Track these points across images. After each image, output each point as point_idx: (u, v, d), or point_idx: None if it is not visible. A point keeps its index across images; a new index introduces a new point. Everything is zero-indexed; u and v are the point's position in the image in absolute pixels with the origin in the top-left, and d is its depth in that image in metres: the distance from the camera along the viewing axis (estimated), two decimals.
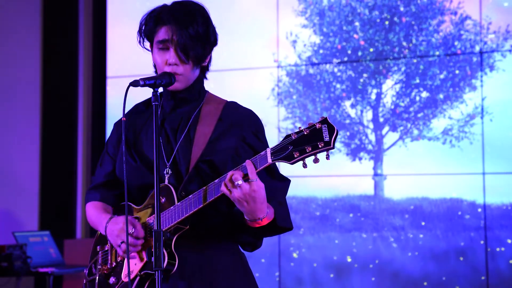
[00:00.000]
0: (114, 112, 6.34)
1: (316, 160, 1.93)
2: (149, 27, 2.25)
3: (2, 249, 5.00)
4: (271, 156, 1.97)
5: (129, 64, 6.26)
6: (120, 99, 2.06)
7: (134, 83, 2.10)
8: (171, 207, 2.12)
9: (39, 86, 6.45)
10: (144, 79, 2.11)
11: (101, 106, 6.41)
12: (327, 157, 1.93)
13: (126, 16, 6.29)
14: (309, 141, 1.93)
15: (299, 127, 1.96)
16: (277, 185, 2.22)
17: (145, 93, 2.18)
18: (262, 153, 1.99)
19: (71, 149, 6.42)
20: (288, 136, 1.96)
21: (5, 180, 6.36)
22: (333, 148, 1.91)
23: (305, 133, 1.93)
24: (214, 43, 2.28)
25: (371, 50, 5.74)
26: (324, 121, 1.93)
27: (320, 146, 1.91)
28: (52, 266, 5.18)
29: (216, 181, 2.06)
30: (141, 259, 2.15)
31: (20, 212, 6.34)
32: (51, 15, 6.52)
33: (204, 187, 2.08)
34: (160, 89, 2.31)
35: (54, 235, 5.65)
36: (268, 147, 2.22)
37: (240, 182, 1.99)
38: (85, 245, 5.65)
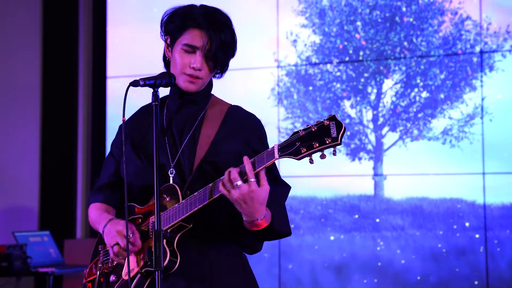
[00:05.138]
0: (114, 112, 6.34)
1: (322, 156, 1.94)
2: (175, 25, 2.24)
3: (2, 249, 5.00)
4: (278, 152, 1.97)
5: (129, 64, 6.26)
6: (120, 99, 2.06)
7: (134, 83, 2.10)
8: (175, 205, 2.13)
9: (39, 86, 6.45)
10: (144, 79, 2.11)
11: (101, 106, 6.41)
12: (334, 153, 1.94)
13: (126, 16, 6.29)
14: (317, 137, 1.94)
15: (307, 125, 1.97)
16: (277, 190, 2.22)
17: (145, 93, 2.17)
18: (269, 149, 2.00)
19: (71, 149, 6.42)
20: (296, 132, 1.97)
21: (5, 180, 6.36)
22: (340, 144, 1.92)
23: (313, 130, 1.95)
24: (233, 53, 2.30)
25: (373, 48, 5.74)
26: (332, 118, 1.94)
27: (327, 142, 1.93)
28: (52, 266, 5.18)
29: (220, 178, 2.07)
30: (143, 258, 2.16)
31: (20, 212, 6.34)
32: (51, 15, 6.52)
33: (210, 184, 2.09)
34: (166, 90, 2.32)
35: (54, 235, 5.65)
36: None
37: (239, 182, 1.99)
38: (85, 245, 5.66)
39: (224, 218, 2.21)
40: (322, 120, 1.95)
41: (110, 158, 2.43)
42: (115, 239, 2.16)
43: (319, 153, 1.94)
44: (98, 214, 2.34)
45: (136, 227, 2.21)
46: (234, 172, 2.01)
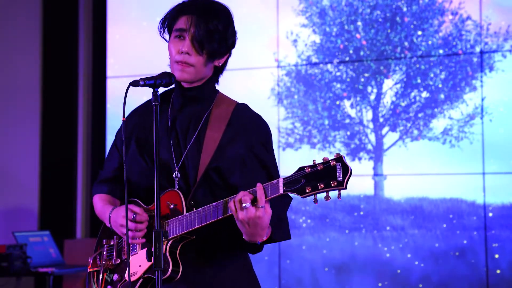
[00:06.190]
0: (114, 112, 6.34)
1: (327, 198, 1.93)
2: (171, 16, 2.27)
3: (2, 249, 4.99)
4: (283, 187, 1.97)
5: (129, 64, 6.26)
6: (120, 99, 2.05)
7: (134, 83, 2.10)
8: (179, 216, 2.12)
9: (39, 86, 6.45)
10: (144, 79, 2.11)
11: (101, 106, 6.41)
12: (339, 196, 1.92)
13: (126, 16, 6.29)
14: (322, 178, 1.93)
15: (313, 161, 1.95)
16: (279, 203, 2.20)
17: (146, 93, 2.17)
18: (275, 181, 1.99)
19: (71, 149, 6.42)
20: (301, 168, 1.96)
21: (5, 180, 6.36)
22: (345, 188, 1.91)
23: (319, 169, 1.93)
24: (232, 45, 2.29)
25: (373, 48, 5.74)
26: (339, 159, 1.92)
27: (332, 185, 1.92)
28: (52, 266, 5.18)
29: (228, 198, 2.06)
30: (146, 261, 2.16)
31: (20, 212, 6.34)
32: (51, 15, 6.52)
33: (214, 203, 2.07)
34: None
35: (54, 235, 5.65)
36: (275, 159, 2.24)
37: (247, 205, 1.99)
38: (85, 245, 5.66)
39: (226, 229, 2.19)
40: (328, 160, 1.93)
41: (114, 151, 2.42)
42: (123, 227, 2.16)
43: (324, 194, 1.93)
44: (103, 205, 2.34)
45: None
46: (246, 194, 2.00)
